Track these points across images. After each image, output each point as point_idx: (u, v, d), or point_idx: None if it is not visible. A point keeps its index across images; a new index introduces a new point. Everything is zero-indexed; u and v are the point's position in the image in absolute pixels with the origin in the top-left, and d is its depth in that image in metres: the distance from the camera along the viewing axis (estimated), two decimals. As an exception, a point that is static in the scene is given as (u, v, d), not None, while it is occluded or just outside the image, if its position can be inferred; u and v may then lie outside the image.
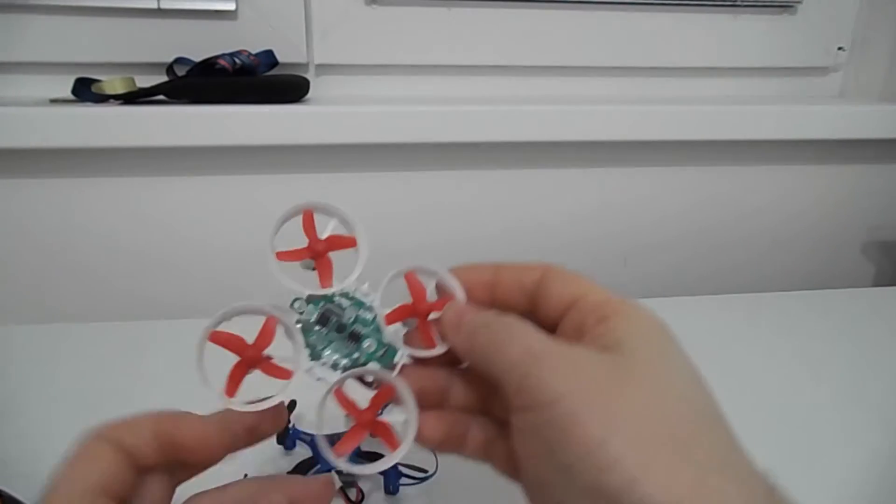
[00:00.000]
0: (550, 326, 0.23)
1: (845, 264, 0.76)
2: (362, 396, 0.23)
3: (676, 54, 0.67)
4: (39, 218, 0.59)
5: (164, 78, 0.56)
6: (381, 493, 0.34)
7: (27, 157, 0.56)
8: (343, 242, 0.24)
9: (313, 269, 0.24)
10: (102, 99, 0.54)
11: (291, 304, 0.24)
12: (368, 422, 0.23)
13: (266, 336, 0.22)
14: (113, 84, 0.53)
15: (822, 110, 0.63)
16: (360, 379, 0.24)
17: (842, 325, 0.56)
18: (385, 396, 0.23)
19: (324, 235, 0.24)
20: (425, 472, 0.35)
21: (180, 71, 0.56)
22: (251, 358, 0.22)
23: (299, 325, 0.23)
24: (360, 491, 0.34)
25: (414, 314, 0.24)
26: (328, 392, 0.22)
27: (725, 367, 0.49)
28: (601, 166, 0.66)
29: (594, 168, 0.66)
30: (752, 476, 0.19)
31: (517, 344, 0.21)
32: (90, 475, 0.20)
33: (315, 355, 0.23)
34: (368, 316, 0.24)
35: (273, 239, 0.23)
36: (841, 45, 0.69)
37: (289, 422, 0.30)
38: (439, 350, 0.24)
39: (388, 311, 0.24)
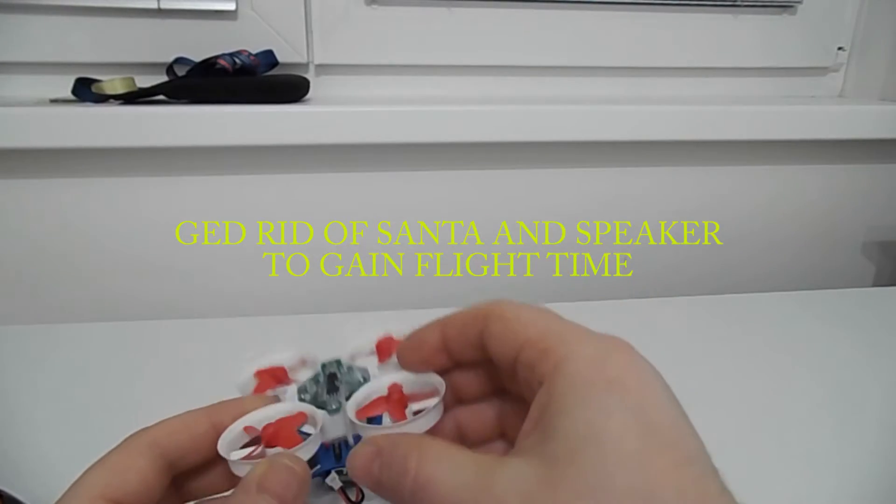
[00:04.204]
0: (510, 371, 0.22)
1: (845, 264, 0.76)
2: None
3: (676, 54, 0.67)
4: (39, 218, 0.59)
5: (164, 78, 0.56)
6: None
7: (27, 157, 0.56)
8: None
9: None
10: (102, 99, 0.54)
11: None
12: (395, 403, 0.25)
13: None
14: (113, 84, 0.53)
15: (822, 110, 0.63)
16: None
17: (842, 325, 0.55)
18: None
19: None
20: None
21: (180, 71, 0.56)
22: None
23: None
24: (360, 491, 0.34)
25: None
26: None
27: (725, 368, 0.49)
28: (601, 166, 0.66)
29: (594, 168, 0.66)
30: None
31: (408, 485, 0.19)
32: (111, 483, 0.20)
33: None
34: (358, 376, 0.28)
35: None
36: (841, 45, 0.69)
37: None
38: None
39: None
